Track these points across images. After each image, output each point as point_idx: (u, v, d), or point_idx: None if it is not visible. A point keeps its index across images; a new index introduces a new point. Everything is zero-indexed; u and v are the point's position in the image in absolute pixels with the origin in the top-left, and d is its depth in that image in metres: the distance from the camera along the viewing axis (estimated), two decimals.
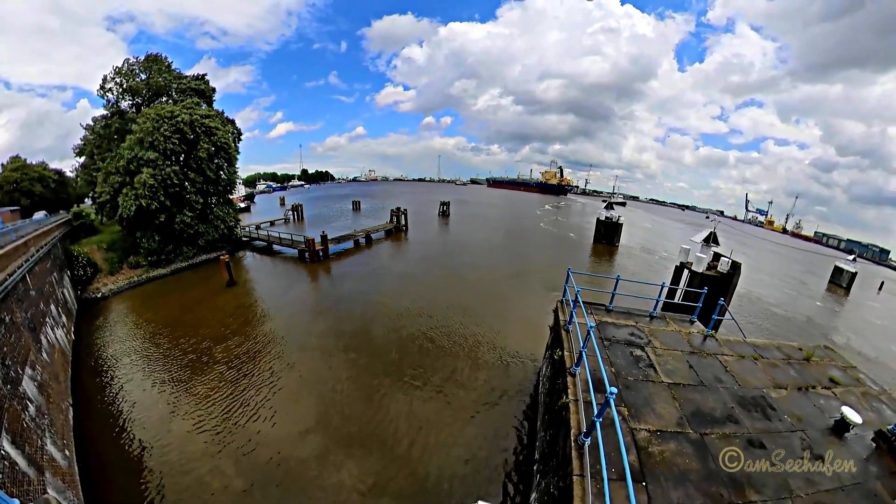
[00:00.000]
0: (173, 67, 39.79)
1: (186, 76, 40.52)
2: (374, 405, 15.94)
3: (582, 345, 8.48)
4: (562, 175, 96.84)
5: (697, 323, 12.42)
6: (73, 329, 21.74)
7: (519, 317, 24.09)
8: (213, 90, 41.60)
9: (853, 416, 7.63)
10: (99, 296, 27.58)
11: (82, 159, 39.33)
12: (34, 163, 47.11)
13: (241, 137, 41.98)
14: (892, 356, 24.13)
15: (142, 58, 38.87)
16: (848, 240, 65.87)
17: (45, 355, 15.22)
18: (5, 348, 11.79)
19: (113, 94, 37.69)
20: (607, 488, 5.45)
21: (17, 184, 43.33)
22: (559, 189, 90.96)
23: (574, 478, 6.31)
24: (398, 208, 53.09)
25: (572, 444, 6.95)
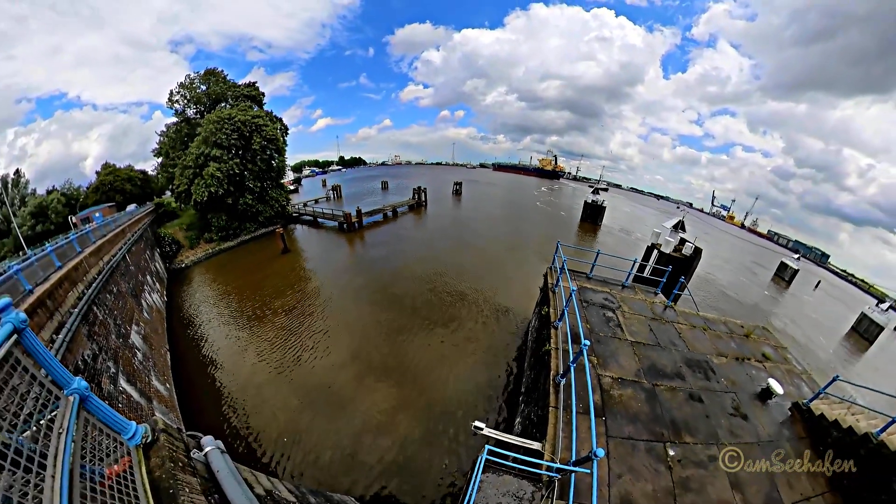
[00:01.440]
0: (228, 78, 39.10)
1: (240, 84, 39.82)
2: (397, 344, 16.44)
3: (565, 304, 8.53)
4: (556, 163, 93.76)
5: (660, 295, 12.22)
6: (165, 293, 22.52)
7: (515, 279, 23.98)
8: (263, 94, 41.00)
9: (777, 388, 7.63)
10: (183, 266, 28.24)
11: (160, 160, 39.41)
12: (122, 166, 47.53)
13: (288, 132, 41.52)
14: (817, 344, 23.79)
15: (201, 72, 38.45)
16: (796, 241, 63.32)
17: (145, 314, 15.97)
18: (116, 311, 12.39)
19: (179, 104, 37.51)
20: (575, 418, 5.81)
21: (111, 185, 43.80)
22: (554, 174, 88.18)
23: (550, 409, 6.49)
24: (419, 187, 52.18)
25: (551, 382, 7.10)
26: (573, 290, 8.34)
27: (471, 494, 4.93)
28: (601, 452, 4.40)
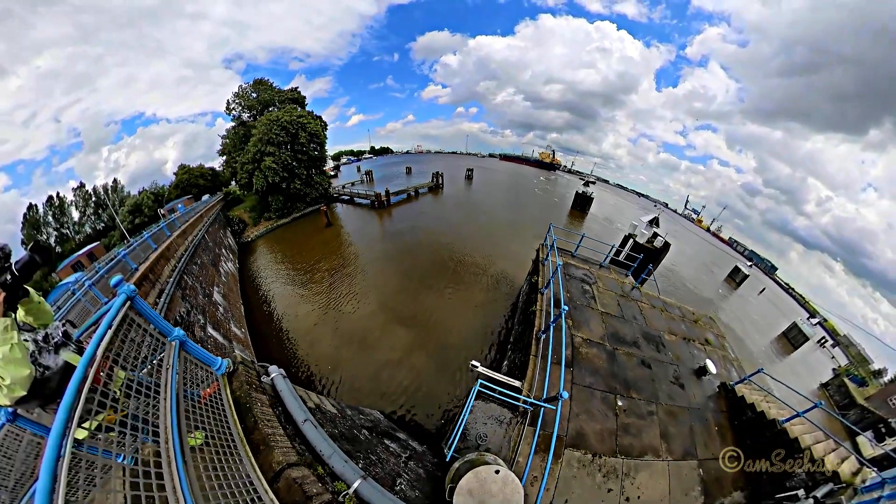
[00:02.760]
0: (274, 85, 37.96)
1: (285, 90, 38.52)
2: (415, 298, 16.53)
3: (551, 275, 8.30)
4: (554, 156, 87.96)
5: (630, 277, 11.81)
6: (237, 261, 22.83)
7: (512, 251, 23.41)
8: (304, 97, 39.67)
9: (711, 367, 7.44)
10: (249, 240, 28.34)
11: (224, 157, 38.98)
12: (194, 166, 47.29)
13: (328, 127, 40.39)
14: (751, 340, 22.74)
15: (251, 83, 37.42)
16: (751, 251, 58.13)
17: (223, 278, 16.42)
18: (201, 277, 12.77)
19: (235, 111, 36.72)
20: (549, 366, 5.82)
21: (188, 181, 43.82)
22: (551, 166, 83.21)
23: (531, 356, 6.49)
24: (437, 172, 49.67)
25: (534, 336, 7.02)
26: (559, 265, 8.17)
27: (465, 415, 5.12)
28: (566, 394, 4.55)
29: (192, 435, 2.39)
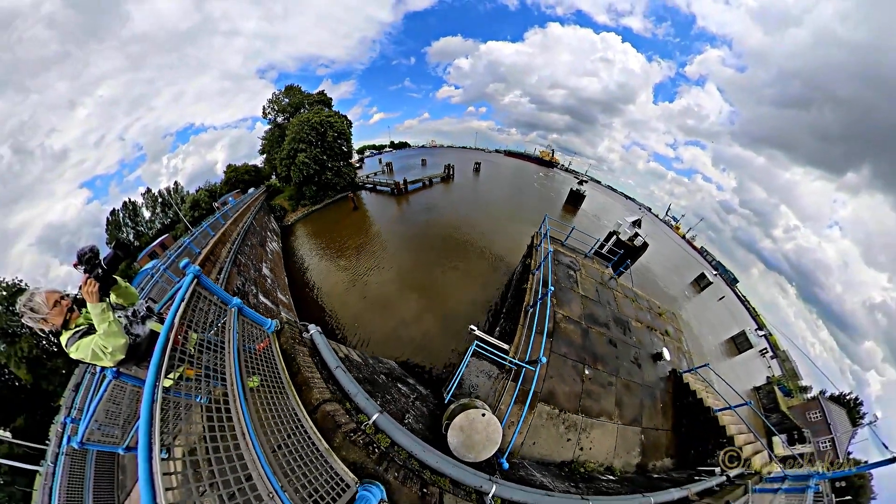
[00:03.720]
0: (304, 90, 36.44)
1: (313, 94, 36.90)
2: (427, 271, 16.59)
3: (542, 259, 8.10)
4: (553, 155, 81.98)
5: (610, 269, 11.15)
6: (280, 241, 22.76)
7: (510, 236, 22.75)
8: (331, 99, 37.86)
9: (666, 355, 7.30)
10: (289, 224, 28.06)
11: (264, 156, 38.16)
12: (239, 164, 46.28)
13: (352, 125, 39.08)
14: (704, 339, 21.91)
15: (283, 89, 36.02)
16: (718, 261, 53.60)
17: (270, 256, 16.55)
18: (252, 256, 12.91)
19: (271, 115, 35.50)
20: (533, 335, 5.71)
21: (235, 178, 43.18)
22: (550, 164, 77.67)
23: (519, 326, 6.46)
24: (449, 164, 47.36)
25: (523, 309, 6.93)
26: (550, 251, 7.96)
27: (462, 368, 5.22)
28: (544, 359, 4.61)
29: (251, 379, 2.50)
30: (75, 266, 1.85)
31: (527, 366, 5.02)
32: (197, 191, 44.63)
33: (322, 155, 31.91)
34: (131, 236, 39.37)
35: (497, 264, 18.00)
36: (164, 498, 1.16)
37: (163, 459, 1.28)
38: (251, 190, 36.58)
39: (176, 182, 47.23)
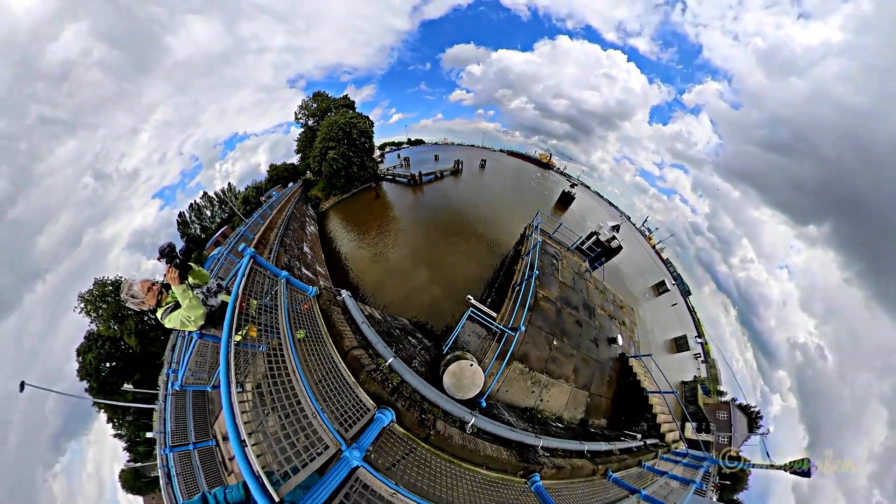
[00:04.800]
0: (330, 95, 34.17)
1: (338, 98, 34.63)
2: (436, 249, 16.44)
3: (531, 248, 7.94)
4: (551, 158, 74.93)
5: (587, 263, 10.71)
6: (316, 224, 22.66)
7: (507, 225, 21.72)
8: (354, 102, 35.47)
9: (620, 340, 7.27)
10: (323, 210, 27.51)
11: (299, 155, 36.73)
12: (279, 164, 44.38)
13: (374, 125, 36.99)
14: (652, 334, 20.66)
15: (311, 96, 33.81)
16: (678, 273, 47.03)
17: (309, 237, 16.53)
18: (295, 238, 12.92)
19: (302, 119, 33.67)
20: (517, 308, 5.81)
21: (276, 175, 41.79)
22: (547, 166, 70.82)
23: (506, 299, 6.47)
24: (458, 160, 44.60)
25: (511, 286, 6.93)
26: (539, 241, 7.78)
27: (458, 328, 5.34)
28: (523, 328, 4.69)
29: (298, 332, 2.65)
30: (158, 259, 2.02)
31: (509, 331, 5.07)
32: (246, 188, 44.30)
33: (348, 151, 30.62)
34: (198, 231, 40.47)
35: (493, 248, 17.72)
36: (240, 419, 1.37)
37: (238, 392, 1.48)
38: (290, 184, 36.10)
39: (229, 183, 47.32)
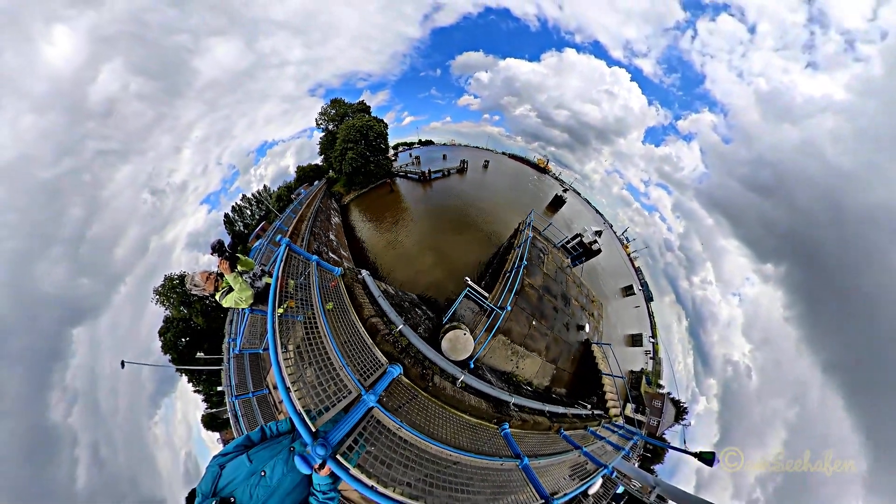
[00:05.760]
0: (347, 101, 31.75)
1: (355, 104, 32.20)
2: (440, 237, 15.95)
3: (523, 241, 7.83)
4: (547, 163, 68.18)
5: (569, 260, 10.59)
6: (340, 216, 22.05)
7: (503, 219, 20.58)
8: (369, 107, 32.97)
9: (587, 328, 7.26)
10: (345, 203, 26.64)
11: (322, 156, 34.91)
12: (305, 165, 41.06)
13: (388, 126, 34.73)
14: (614, 328, 18.75)
15: (330, 102, 31.41)
16: (645, 281, 42.32)
17: (333, 226, 15.94)
18: (322, 227, 12.63)
19: (323, 124, 31.49)
20: (505, 291, 5.82)
21: (304, 175, 39.22)
22: (543, 171, 64.64)
23: (498, 283, 6.49)
24: (464, 160, 41.12)
25: (503, 272, 6.98)
26: (530, 237, 7.65)
27: (456, 304, 5.42)
28: (509, 308, 4.77)
29: (328, 304, 2.78)
30: (211, 254, 2.17)
31: (497, 309, 5.14)
32: (278, 188, 42.08)
33: (366, 151, 29.05)
34: (241, 227, 40.52)
35: (490, 238, 17.30)
36: (286, 372, 1.52)
37: (283, 352, 1.62)
38: (316, 182, 34.90)
39: (264, 185, 45.78)
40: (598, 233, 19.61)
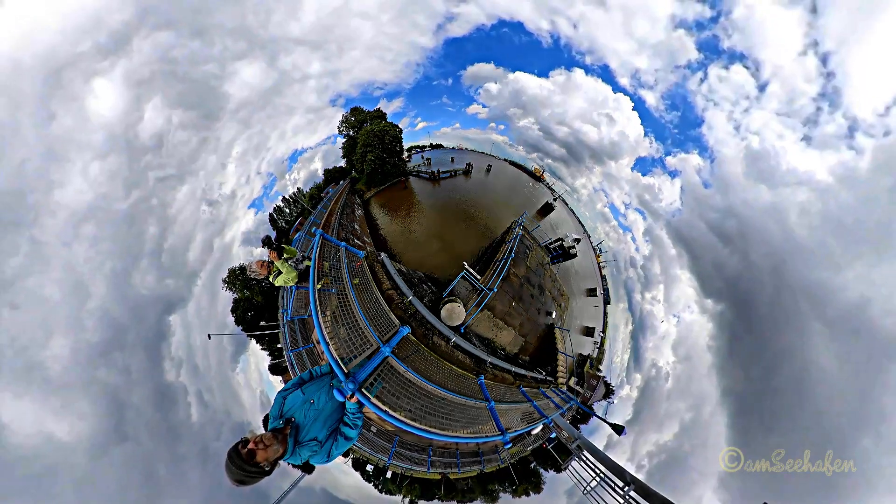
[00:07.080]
0: (365, 109, 28.94)
1: (372, 111, 29.29)
2: (445, 227, 14.86)
3: (513, 238, 7.54)
4: (543, 173, 55.01)
5: (549, 258, 10.30)
6: (362, 209, 19.72)
7: (499, 216, 18.01)
8: (385, 114, 29.55)
9: (553, 315, 7.30)
10: (366, 199, 23.10)
11: (345, 159, 33.29)
12: (330, 168, 38.92)
13: (402, 131, 31.82)
14: (573, 318, 16.86)
15: (349, 111, 28.61)
16: (607, 287, 38.16)
17: (357, 218, 14.44)
18: (348, 219, 11.74)
19: (344, 131, 28.59)
20: (495, 275, 5.76)
21: (330, 176, 36.39)
22: (538, 179, 51.18)
23: (488, 269, 6.35)
24: (469, 163, 38.86)
25: (494, 261, 6.75)
26: (519, 234, 7.57)
27: (455, 282, 5.58)
28: (495, 290, 4.86)
29: (355, 279, 2.86)
30: (262, 247, 2.20)
31: (486, 290, 5.32)
32: (310, 189, 40.20)
33: (383, 154, 26.67)
34: (284, 224, 39.26)
35: (487, 232, 15.77)
36: (325, 332, 1.62)
37: (322, 317, 1.71)
38: (341, 182, 32.61)
39: (298, 187, 41.73)
40: (577, 240, 18.11)
